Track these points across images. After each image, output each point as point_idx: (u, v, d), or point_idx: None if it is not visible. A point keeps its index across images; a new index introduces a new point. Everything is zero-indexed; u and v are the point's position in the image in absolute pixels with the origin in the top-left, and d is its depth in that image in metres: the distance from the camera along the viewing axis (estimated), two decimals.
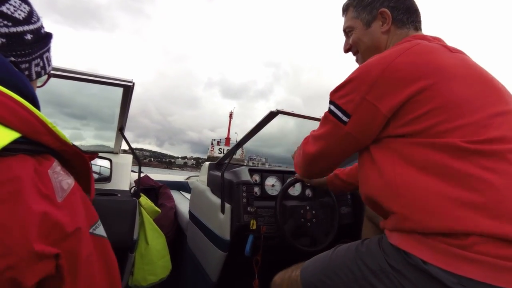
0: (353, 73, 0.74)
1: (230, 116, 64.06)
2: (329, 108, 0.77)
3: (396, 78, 0.67)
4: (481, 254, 0.54)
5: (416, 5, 0.87)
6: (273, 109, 1.57)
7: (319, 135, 0.81)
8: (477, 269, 0.54)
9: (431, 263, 0.57)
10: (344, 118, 0.73)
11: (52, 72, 1.00)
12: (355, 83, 0.72)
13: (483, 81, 0.69)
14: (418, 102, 0.65)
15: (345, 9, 0.92)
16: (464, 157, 0.60)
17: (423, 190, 0.62)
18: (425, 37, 0.78)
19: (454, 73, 0.66)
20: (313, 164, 0.88)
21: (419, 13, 0.86)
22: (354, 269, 0.70)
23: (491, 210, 0.56)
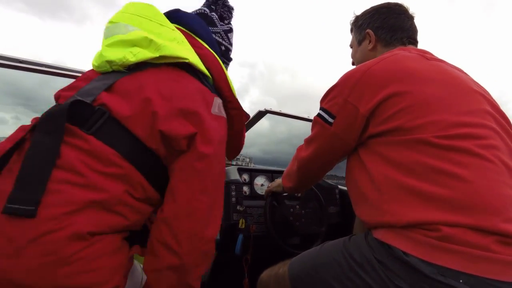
0: (337, 81, 0.83)
1: None
2: (318, 113, 0.86)
3: (372, 82, 0.74)
4: (457, 244, 0.57)
5: (403, 22, 0.94)
6: (262, 109, 1.58)
7: (310, 138, 0.90)
8: (454, 259, 0.56)
9: (411, 254, 0.60)
10: (330, 120, 0.81)
11: (39, 68, 0.97)
12: (339, 88, 0.81)
13: (456, 84, 0.73)
14: (392, 103, 0.71)
15: (351, 29, 1.07)
16: (435, 153, 0.64)
17: (399, 187, 0.66)
18: (406, 49, 0.87)
19: (426, 77, 0.72)
20: (306, 169, 0.96)
21: (406, 29, 0.94)
22: (342, 261, 0.73)
23: (463, 203, 0.59)
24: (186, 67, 0.75)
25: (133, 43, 0.72)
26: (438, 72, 0.74)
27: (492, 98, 0.77)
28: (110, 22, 0.76)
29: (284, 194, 1.66)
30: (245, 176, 1.62)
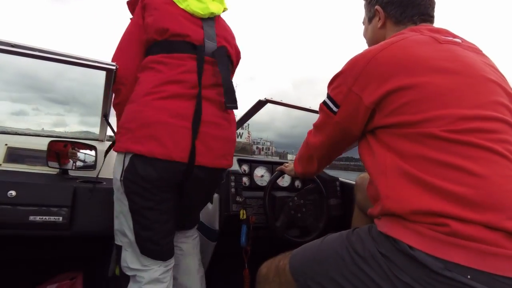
0: (343, 66, 0.79)
1: None
2: (324, 100, 0.84)
3: (377, 71, 0.70)
4: (465, 240, 0.55)
5: None
6: (262, 98, 1.55)
7: (317, 125, 0.90)
8: (462, 254, 0.55)
9: (418, 248, 0.58)
10: (334, 109, 0.79)
11: (29, 52, 0.95)
12: (343, 76, 0.77)
13: (469, 73, 0.68)
14: (397, 96, 0.67)
15: (364, 5, 1.02)
16: (443, 147, 0.62)
17: (405, 175, 0.64)
18: (418, 29, 0.79)
19: (435, 66, 0.67)
20: (316, 154, 0.97)
21: (418, 4, 0.85)
22: (344, 255, 0.71)
23: (472, 198, 0.57)
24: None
25: (215, 0, 1.14)
26: (450, 59, 0.69)
27: (510, 87, 0.73)
28: None
29: (284, 185, 1.65)
30: (245, 167, 1.60)
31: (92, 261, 1.56)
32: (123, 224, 0.99)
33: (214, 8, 1.09)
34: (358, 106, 0.73)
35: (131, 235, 0.97)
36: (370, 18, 0.95)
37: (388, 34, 0.89)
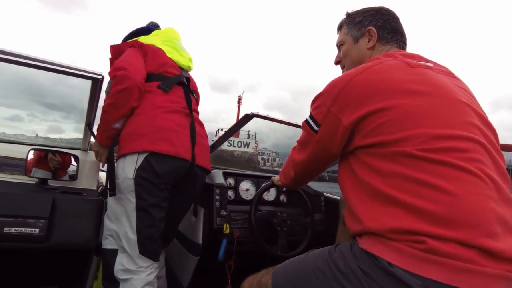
0: (324, 88, 0.82)
1: (239, 101, 54.94)
2: (306, 119, 0.87)
3: (354, 94, 0.74)
4: (441, 256, 0.57)
5: (402, 28, 0.94)
6: (248, 112, 1.57)
7: (301, 142, 0.92)
8: (439, 271, 0.56)
9: (396, 265, 0.59)
10: (315, 128, 0.82)
11: (16, 59, 0.94)
12: (323, 97, 0.80)
13: (441, 95, 0.71)
14: (375, 116, 0.70)
15: (340, 27, 1.03)
16: (417, 165, 0.64)
17: (383, 196, 0.66)
18: (392, 55, 0.85)
19: (409, 89, 0.71)
20: (299, 170, 0.98)
21: (404, 35, 0.94)
22: (326, 271, 0.71)
23: (446, 216, 0.59)
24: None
25: (190, 60, 1.47)
26: (422, 82, 0.72)
27: (480, 108, 0.76)
28: (175, 39, 1.46)
29: (269, 200, 1.64)
30: (230, 180, 1.59)
31: (69, 276, 1.50)
32: (124, 225, 1.10)
33: (191, 65, 1.48)
34: (337, 126, 0.76)
35: (132, 235, 1.08)
36: (356, 37, 0.95)
37: (375, 54, 0.91)
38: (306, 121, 0.86)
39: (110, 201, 1.12)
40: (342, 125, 0.75)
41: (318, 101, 0.82)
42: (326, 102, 0.78)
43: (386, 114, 0.68)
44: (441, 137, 0.65)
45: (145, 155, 1.11)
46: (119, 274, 1.08)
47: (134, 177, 1.10)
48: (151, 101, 1.21)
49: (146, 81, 1.24)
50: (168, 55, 1.35)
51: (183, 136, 1.19)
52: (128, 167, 1.11)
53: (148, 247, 1.10)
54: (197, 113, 1.39)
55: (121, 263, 1.08)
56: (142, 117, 1.17)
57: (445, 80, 0.76)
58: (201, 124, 1.35)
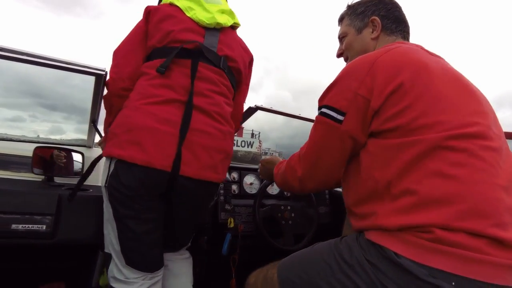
0: (339, 74, 0.76)
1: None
2: (321, 111, 0.77)
3: (382, 73, 0.69)
4: (449, 246, 0.56)
5: (405, 17, 0.92)
6: (252, 105, 1.56)
7: (315, 142, 0.79)
8: (446, 261, 0.55)
9: (403, 255, 0.59)
10: (339, 117, 0.73)
11: (18, 56, 0.94)
12: (345, 82, 0.74)
13: (459, 83, 0.71)
14: (399, 96, 0.67)
15: (341, 19, 1.00)
16: (435, 153, 0.62)
17: (392, 189, 0.65)
18: (407, 43, 0.82)
19: (433, 71, 0.69)
20: (308, 179, 0.84)
21: (407, 24, 0.92)
22: (332, 262, 0.71)
23: (456, 205, 0.58)
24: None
25: (225, 12, 1.12)
26: (441, 68, 0.71)
27: (488, 101, 0.76)
28: None
29: (273, 193, 1.64)
30: (235, 174, 1.59)
31: (75, 271, 1.52)
32: (110, 232, 0.96)
33: (222, 20, 1.08)
34: (366, 109, 0.70)
35: (116, 245, 0.94)
36: (360, 28, 0.93)
37: (379, 44, 0.89)
38: (323, 113, 0.76)
39: (104, 203, 0.99)
40: (371, 106, 0.69)
41: (336, 88, 0.75)
42: (351, 85, 0.71)
43: (409, 92, 0.66)
44: (463, 125, 0.64)
45: (115, 161, 0.91)
46: (111, 281, 0.97)
47: (106, 185, 0.92)
48: (138, 89, 0.97)
49: (147, 60, 1.02)
50: (187, 14, 1.05)
51: (165, 136, 0.89)
52: (103, 172, 0.95)
53: (133, 258, 0.94)
54: (218, 95, 1.02)
55: (112, 270, 0.96)
56: (123, 111, 0.96)
57: (458, 71, 0.76)
58: (214, 116, 0.98)
